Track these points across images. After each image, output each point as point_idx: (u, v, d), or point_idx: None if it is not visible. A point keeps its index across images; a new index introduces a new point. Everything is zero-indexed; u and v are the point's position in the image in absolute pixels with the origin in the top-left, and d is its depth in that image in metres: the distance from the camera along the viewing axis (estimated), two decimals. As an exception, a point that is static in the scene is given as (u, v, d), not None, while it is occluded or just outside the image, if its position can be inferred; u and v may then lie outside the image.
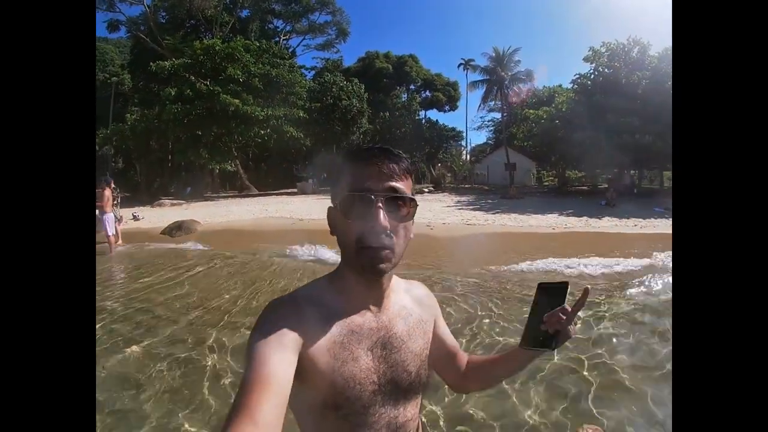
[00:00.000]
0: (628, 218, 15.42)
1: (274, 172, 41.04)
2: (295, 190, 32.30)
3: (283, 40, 43.92)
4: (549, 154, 31.94)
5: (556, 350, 1.08)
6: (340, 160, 1.02)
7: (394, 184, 0.95)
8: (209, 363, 3.87)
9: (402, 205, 0.95)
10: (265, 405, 0.74)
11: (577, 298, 1.04)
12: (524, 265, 7.81)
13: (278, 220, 16.67)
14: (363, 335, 1.00)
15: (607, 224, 14.47)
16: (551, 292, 1.10)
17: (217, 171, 32.55)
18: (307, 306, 0.97)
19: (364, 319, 1.02)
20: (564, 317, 1.02)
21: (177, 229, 13.45)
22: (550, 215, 16.71)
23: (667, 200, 18.50)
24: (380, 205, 0.92)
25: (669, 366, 3.55)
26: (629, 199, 20.59)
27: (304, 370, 0.90)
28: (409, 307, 1.13)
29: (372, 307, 1.04)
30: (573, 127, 23.40)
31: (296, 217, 17.01)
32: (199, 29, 39.95)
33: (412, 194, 0.99)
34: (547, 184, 38.83)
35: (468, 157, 52.99)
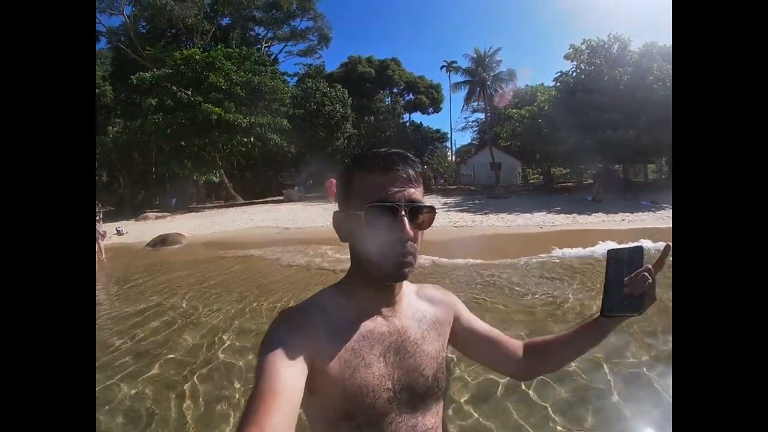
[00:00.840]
0: (616, 213, 15.46)
1: (259, 181, 40.75)
2: (282, 197, 32.09)
3: (265, 47, 43.75)
4: (533, 152, 32.09)
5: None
6: (350, 165, 0.99)
7: (413, 191, 0.94)
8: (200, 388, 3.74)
9: (423, 214, 0.95)
10: (275, 415, 0.72)
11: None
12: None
13: (263, 229, 16.52)
14: (374, 340, 0.98)
15: (596, 220, 14.48)
16: (627, 256, 1.05)
17: (202, 181, 32.19)
18: (316, 314, 0.96)
19: (375, 324, 1.00)
20: (650, 277, 0.99)
21: (161, 243, 13.31)
22: (537, 214, 16.72)
23: (653, 194, 18.62)
24: (404, 214, 0.91)
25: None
26: (615, 193, 20.70)
27: (315, 379, 0.89)
28: (422, 309, 1.11)
29: (383, 312, 1.02)
30: (556, 125, 23.50)
31: (282, 227, 16.86)
32: (179, 38, 39.62)
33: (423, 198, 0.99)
34: (532, 182, 39.02)
35: (453, 158, 53.16)
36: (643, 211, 15.48)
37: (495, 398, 3.31)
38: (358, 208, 0.93)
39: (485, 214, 17.79)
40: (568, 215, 15.87)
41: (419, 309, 1.10)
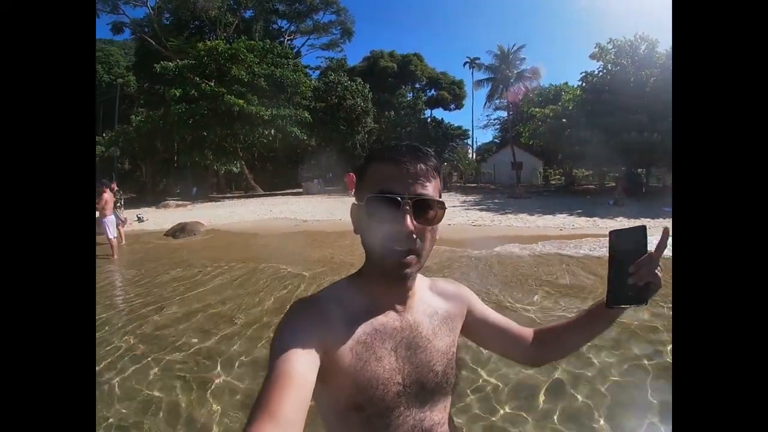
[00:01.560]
0: (637, 218, 15.17)
1: (279, 172, 41.02)
2: (301, 190, 32.26)
3: (288, 40, 43.95)
4: (556, 152, 31.69)
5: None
6: (366, 157, 1.00)
7: (422, 185, 0.92)
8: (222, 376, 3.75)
9: (429, 208, 0.93)
10: (287, 403, 0.73)
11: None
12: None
13: (282, 221, 16.58)
14: (387, 335, 0.98)
15: (616, 225, 14.21)
16: (629, 238, 1.00)
17: (222, 172, 32.51)
18: (330, 306, 0.96)
19: (387, 318, 1.00)
20: (654, 265, 0.95)
21: (180, 231, 13.42)
22: (558, 216, 16.48)
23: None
24: (407, 208, 0.89)
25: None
26: (638, 198, 20.33)
27: (327, 370, 0.89)
28: (434, 304, 1.11)
29: (396, 307, 1.02)
30: (580, 125, 23.13)
31: (300, 219, 16.91)
32: (203, 30, 39.97)
33: (440, 194, 0.97)
34: (554, 182, 38.61)
35: (474, 156, 52.86)
36: (664, 218, 15.13)
37: (502, 394, 3.29)
38: (363, 200, 0.94)
39: (504, 214, 17.58)
40: (588, 218, 15.59)
41: (431, 304, 1.10)
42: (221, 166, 29.96)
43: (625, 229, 1.01)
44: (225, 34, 37.32)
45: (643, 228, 0.97)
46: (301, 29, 45.54)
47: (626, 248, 0.99)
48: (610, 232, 1.03)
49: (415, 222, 0.90)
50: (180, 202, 24.74)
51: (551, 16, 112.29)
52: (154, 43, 35.93)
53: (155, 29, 36.55)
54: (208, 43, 29.77)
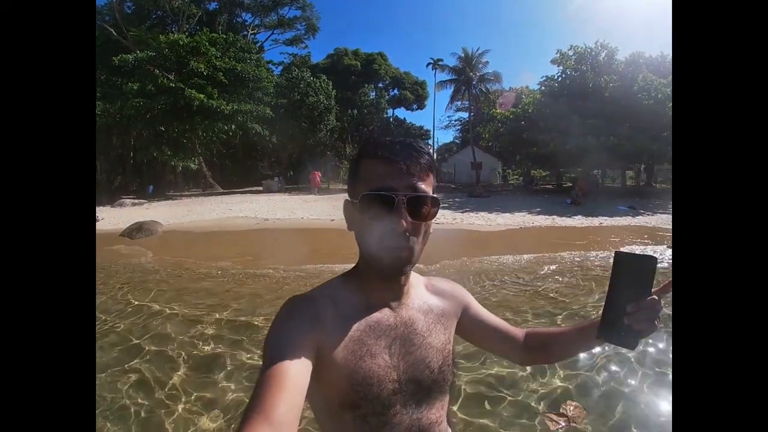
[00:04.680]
0: (595, 216, 15.63)
1: (239, 170, 40.26)
2: (261, 188, 31.76)
3: (251, 34, 43.13)
4: (515, 153, 32.31)
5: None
6: (359, 154, 0.99)
7: (416, 182, 0.92)
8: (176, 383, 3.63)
9: (424, 205, 0.92)
10: (281, 404, 0.72)
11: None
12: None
13: (243, 220, 16.25)
14: (381, 331, 0.98)
15: (575, 222, 14.62)
16: (635, 268, 0.90)
17: (180, 169, 31.60)
18: (324, 303, 0.96)
19: (382, 315, 1.00)
20: (656, 313, 0.88)
21: (137, 231, 12.90)
22: (518, 214, 16.82)
23: (630, 199, 18.89)
24: (402, 205, 0.89)
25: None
26: (594, 198, 20.94)
27: (321, 367, 0.89)
28: (430, 302, 1.11)
29: (391, 304, 1.02)
30: (539, 128, 23.65)
31: (261, 217, 16.63)
32: (165, 21, 38.79)
33: (434, 190, 0.96)
34: (512, 182, 39.39)
35: (435, 155, 53.34)
36: (621, 216, 15.69)
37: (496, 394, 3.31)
38: (357, 197, 0.93)
39: (465, 212, 17.81)
40: (547, 216, 15.99)
41: (427, 301, 1.10)
42: (179, 162, 29.04)
43: (634, 255, 0.91)
44: (188, 26, 36.34)
45: (653, 260, 0.88)
46: (265, 23, 44.62)
47: (629, 278, 0.90)
48: (616, 253, 0.94)
49: (409, 218, 0.90)
50: (136, 201, 23.89)
51: (518, 22, 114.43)
52: (114, 32, 34.57)
53: (116, 18, 35.20)
54: (170, 36, 28.80)
